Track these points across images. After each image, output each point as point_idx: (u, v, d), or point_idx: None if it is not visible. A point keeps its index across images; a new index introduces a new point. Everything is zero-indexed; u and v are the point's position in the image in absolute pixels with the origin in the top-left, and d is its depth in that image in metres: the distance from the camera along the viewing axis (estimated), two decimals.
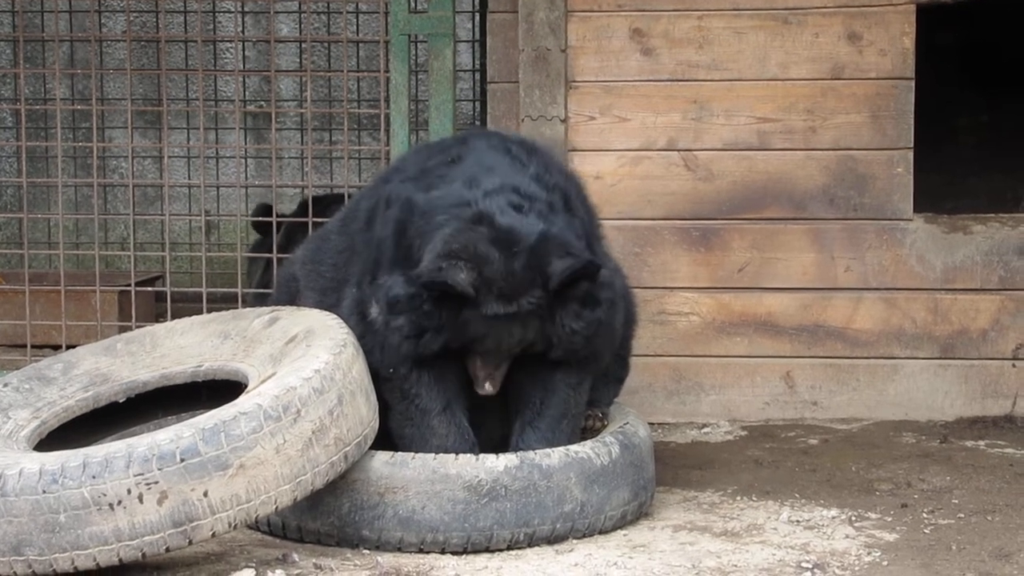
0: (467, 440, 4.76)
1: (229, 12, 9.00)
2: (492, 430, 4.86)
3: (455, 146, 4.98)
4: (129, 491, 4.07)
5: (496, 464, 4.56)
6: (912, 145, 6.17)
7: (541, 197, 4.70)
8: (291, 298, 5.25)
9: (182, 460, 4.09)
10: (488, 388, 4.73)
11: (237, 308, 5.52)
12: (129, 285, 6.61)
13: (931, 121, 6.80)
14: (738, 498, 5.17)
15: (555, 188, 4.78)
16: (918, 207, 6.22)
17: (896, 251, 6.19)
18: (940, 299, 6.21)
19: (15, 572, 4.12)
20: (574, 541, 4.63)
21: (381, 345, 4.70)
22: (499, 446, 4.78)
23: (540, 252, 4.59)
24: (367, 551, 4.53)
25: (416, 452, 4.62)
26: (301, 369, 4.40)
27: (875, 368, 6.23)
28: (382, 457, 4.57)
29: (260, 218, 7.15)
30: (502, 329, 4.63)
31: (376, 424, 4.62)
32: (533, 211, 4.65)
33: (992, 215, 6.30)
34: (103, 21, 9.02)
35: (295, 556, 4.44)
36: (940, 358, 6.21)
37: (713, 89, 6.19)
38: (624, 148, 6.23)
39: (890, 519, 4.91)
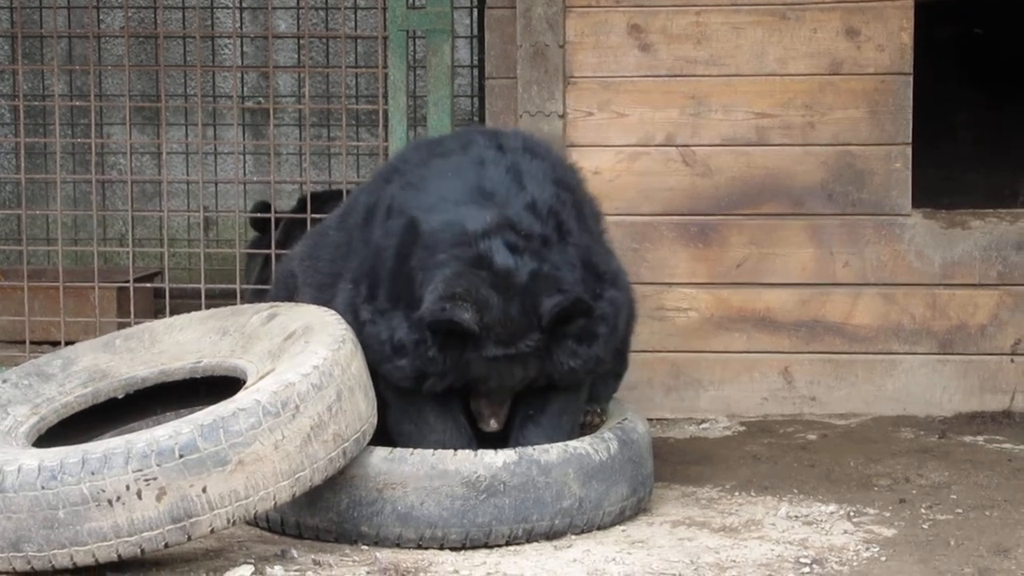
0: (464, 435, 4.76)
1: (227, 8, 9.01)
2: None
3: (456, 153, 4.95)
4: (128, 487, 4.07)
5: (495, 460, 4.56)
6: (910, 140, 6.16)
7: (535, 232, 4.69)
8: (289, 294, 5.25)
9: (181, 456, 4.09)
10: (493, 425, 4.76)
11: (236, 304, 5.52)
12: (128, 281, 6.62)
13: (929, 118, 6.80)
14: (736, 493, 5.17)
15: (550, 215, 4.77)
16: (916, 203, 6.22)
17: (895, 246, 6.19)
18: (938, 294, 6.21)
19: (14, 568, 4.13)
20: (572, 537, 4.63)
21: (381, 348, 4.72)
22: (498, 442, 4.78)
23: (533, 292, 4.61)
24: (366, 547, 4.53)
25: (414, 448, 4.63)
26: (300, 365, 4.40)
27: (873, 363, 6.23)
28: (381, 453, 4.57)
29: (258, 214, 7.16)
30: (504, 370, 4.67)
31: (375, 420, 4.62)
32: (528, 251, 4.65)
33: (990, 210, 6.30)
34: (101, 17, 9.03)
35: (294, 552, 4.44)
36: (938, 353, 6.21)
37: (711, 85, 6.19)
38: (622, 144, 6.23)
39: (888, 514, 4.91)
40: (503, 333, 4.61)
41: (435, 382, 4.66)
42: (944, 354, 6.22)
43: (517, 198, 4.76)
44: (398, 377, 4.67)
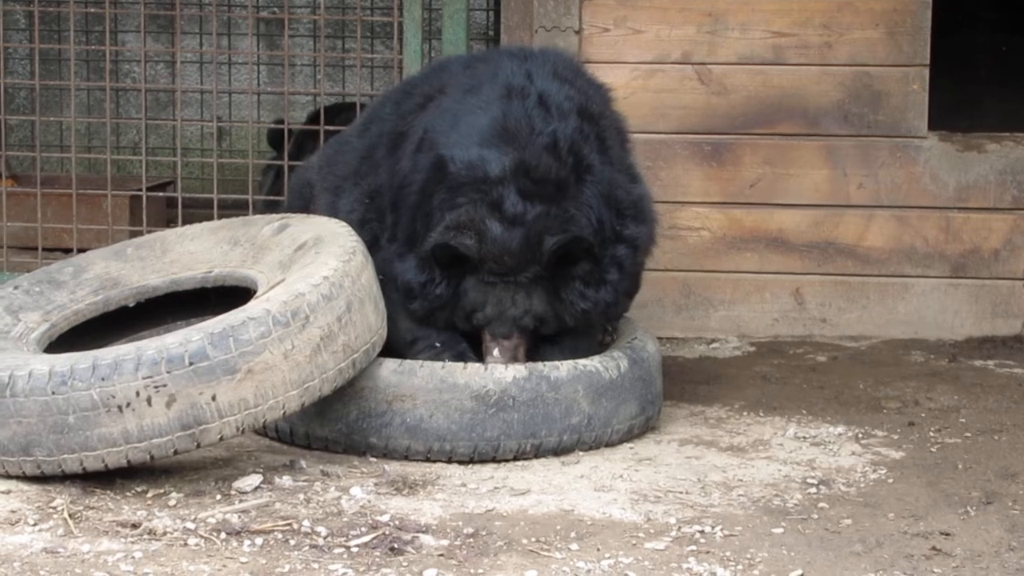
0: (433, 330, 4.82)
1: None
2: None
3: (488, 84, 4.96)
4: (138, 393, 4.08)
5: (504, 375, 4.57)
6: (928, 62, 6.12)
7: (550, 176, 4.76)
8: (305, 204, 5.26)
9: (191, 364, 4.10)
10: (496, 355, 4.74)
11: (247, 215, 5.51)
12: (140, 190, 6.61)
13: (945, 40, 6.74)
14: (745, 413, 5.18)
15: (570, 152, 4.81)
16: (932, 126, 6.18)
17: (909, 169, 6.17)
18: (952, 218, 6.19)
19: (24, 472, 4.15)
20: (580, 453, 4.64)
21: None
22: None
23: (539, 230, 4.68)
24: (374, 459, 4.55)
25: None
26: (310, 276, 4.40)
27: (885, 286, 6.22)
28: (390, 365, 4.58)
29: (274, 126, 7.15)
30: (503, 297, 4.72)
31: (384, 332, 4.63)
32: (539, 196, 4.72)
33: (1007, 134, 6.26)
34: None
35: (302, 463, 4.46)
36: (951, 277, 6.20)
37: (729, 2, 6.14)
38: (638, 61, 6.19)
39: (897, 437, 4.91)
40: (499, 263, 4.68)
41: (438, 315, 4.76)
42: (956, 278, 6.20)
43: (539, 138, 4.79)
44: (416, 318, 4.78)
